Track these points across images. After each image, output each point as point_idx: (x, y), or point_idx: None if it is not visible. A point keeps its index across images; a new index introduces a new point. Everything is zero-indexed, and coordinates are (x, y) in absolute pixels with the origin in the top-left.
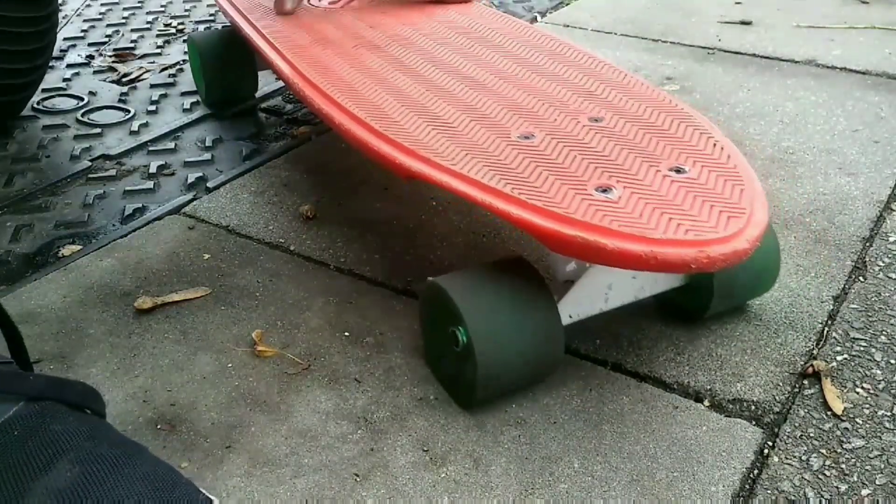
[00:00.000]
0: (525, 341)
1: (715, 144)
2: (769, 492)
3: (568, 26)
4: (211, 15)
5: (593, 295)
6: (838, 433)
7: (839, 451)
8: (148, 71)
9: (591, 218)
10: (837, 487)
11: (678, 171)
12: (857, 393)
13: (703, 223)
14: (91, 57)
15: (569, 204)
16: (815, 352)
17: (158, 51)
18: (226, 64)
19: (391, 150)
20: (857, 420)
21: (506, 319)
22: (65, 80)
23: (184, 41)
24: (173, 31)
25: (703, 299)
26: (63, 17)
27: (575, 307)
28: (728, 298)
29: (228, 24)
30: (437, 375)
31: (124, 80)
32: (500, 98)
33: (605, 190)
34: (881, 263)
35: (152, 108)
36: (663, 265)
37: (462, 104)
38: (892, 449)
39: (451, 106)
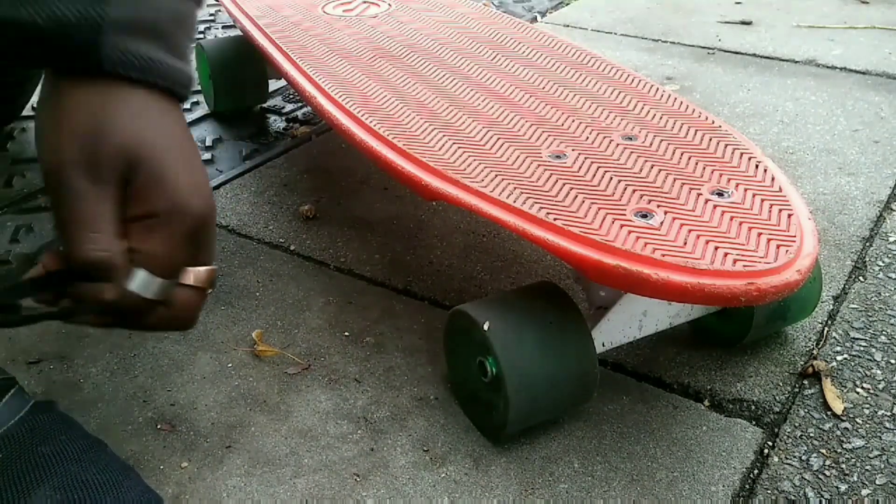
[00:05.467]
0: (558, 373)
1: (757, 165)
2: (769, 492)
3: (568, 26)
4: (211, 15)
5: (628, 322)
6: (838, 433)
7: (839, 451)
8: None
9: (632, 246)
10: (837, 487)
11: (720, 194)
12: (857, 393)
13: (752, 253)
14: None
15: (608, 230)
16: (815, 352)
17: None
18: (236, 72)
19: (416, 170)
20: (857, 420)
21: (538, 349)
22: None
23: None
24: None
25: (741, 326)
26: None
27: (609, 335)
28: (767, 325)
29: (231, 24)
30: (462, 404)
31: None
32: (527, 113)
33: (644, 215)
34: (881, 263)
35: None
36: (710, 298)
37: (488, 119)
38: (892, 449)
39: (476, 122)
